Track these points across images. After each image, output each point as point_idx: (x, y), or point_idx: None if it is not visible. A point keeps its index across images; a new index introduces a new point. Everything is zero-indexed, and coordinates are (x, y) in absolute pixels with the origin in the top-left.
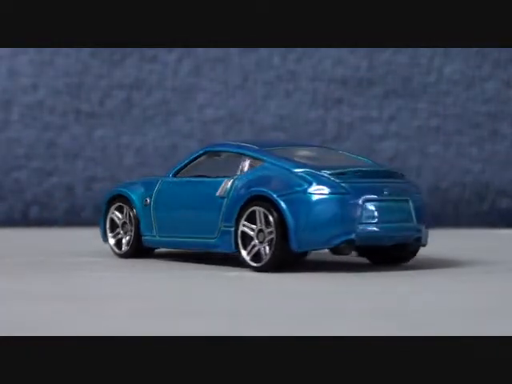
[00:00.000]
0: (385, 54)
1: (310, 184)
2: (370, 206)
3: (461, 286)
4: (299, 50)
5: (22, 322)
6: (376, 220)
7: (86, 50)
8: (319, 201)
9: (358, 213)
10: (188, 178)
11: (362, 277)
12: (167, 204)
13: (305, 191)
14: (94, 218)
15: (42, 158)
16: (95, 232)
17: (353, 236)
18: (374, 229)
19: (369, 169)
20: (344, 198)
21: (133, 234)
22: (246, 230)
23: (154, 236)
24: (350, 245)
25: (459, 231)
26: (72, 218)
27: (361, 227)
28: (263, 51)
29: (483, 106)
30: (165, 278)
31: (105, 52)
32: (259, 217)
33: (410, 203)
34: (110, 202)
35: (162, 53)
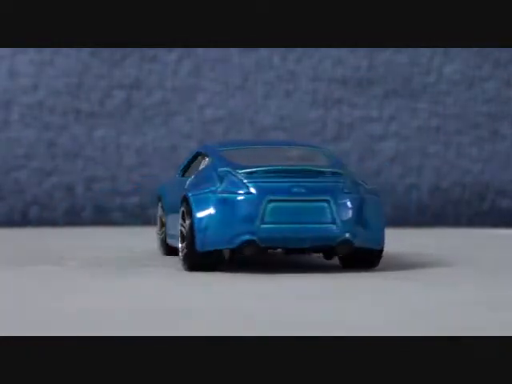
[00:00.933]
0: (385, 54)
1: (221, 184)
2: (275, 207)
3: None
4: (299, 50)
5: (21, 323)
6: (280, 220)
7: (86, 50)
8: (222, 201)
9: (260, 213)
10: (180, 178)
11: (332, 277)
12: (168, 203)
13: (213, 191)
14: (94, 217)
15: (42, 158)
16: (94, 231)
17: (253, 236)
18: (278, 230)
19: (288, 168)
20: (246, 197)
21: (164, 233)
22: (182, 228)
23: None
24: (252, 245)
25: (442, 230)
26: (72, 218)
27: (263, 228)
28: (263, 51)
29: (483, 105)
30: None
31: (105, 52)
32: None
33: (332, 203)
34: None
35: (162, 53)
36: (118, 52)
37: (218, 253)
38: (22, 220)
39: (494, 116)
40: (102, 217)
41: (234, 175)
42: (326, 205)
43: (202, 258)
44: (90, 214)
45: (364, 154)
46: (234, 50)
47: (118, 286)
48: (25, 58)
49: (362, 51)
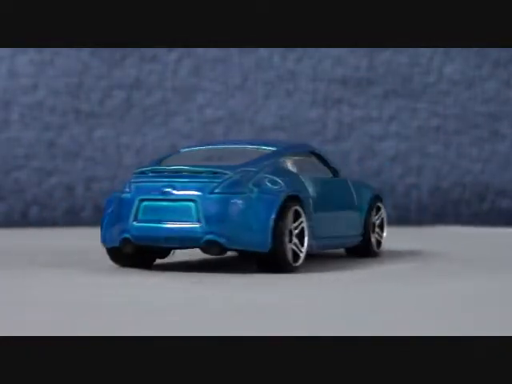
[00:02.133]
0: (385, 54)
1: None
2: (146, 206)
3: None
4: (299, 50)
5: (21, 322)
6: (149, 219)
7: (86, 50)
8: (113, 200)
9: (134, 212)
10: None
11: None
12: None
13: (117, 191)
14: (94, 218)
15: (42, 157)
16: (94, 231)
17: (128, 235)
18: (148, 228)
19: (169, 168)
20: (125, 197)
21: None
22: None
23: None
24: (128, 243)
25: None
26: (72, 218)
27: (135, 226)
28: (263, 51)
29: (483, 105)
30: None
31: (105, 52)
32: None
33: (199, 203)
34: None
35: (162, 53)
36: (118, 52)
37: (116, 249)
38: (21, 220)
39: (493, 116)
40: (101, 217)
41: (132, 175)
42: (192, 204)
43: (109, 254)
44: (90, 214)
45: (364, 153)
46: (234, 50)
47: (115, 284)
48: (25, 58)
49: (361, 51)
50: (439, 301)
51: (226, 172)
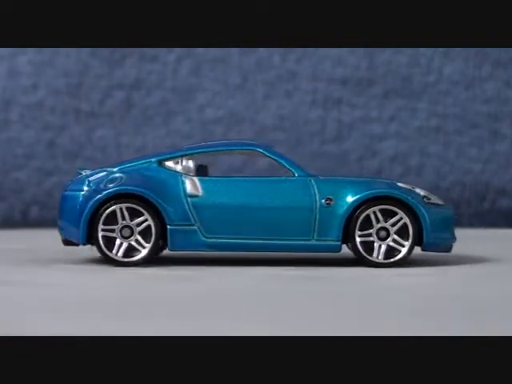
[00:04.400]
0: (385, 54)
1: None
2: None
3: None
4: (299, 49)
5: (20, 322)
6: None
7: (86, 50)
8: None
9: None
10: None
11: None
12: None
13: None
14: None
15: (41, 158)
16: None
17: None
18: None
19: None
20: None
21: None
22: None
23: None
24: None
25: None
26: None
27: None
28: (263, 51)
29: (483, 105)
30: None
31: (105, 52)
32: None
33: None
34: None
35: (162, 53)
36: (118, 52)
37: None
38: (21, 220)
39: (493, 116)
40: None
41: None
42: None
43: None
44: None
45: (364, 154)
46: (234, 50)
47: (107, 281)
48: (25, 58)
49: (361, 51)
50: (438, 300)
51: (81, 172)
